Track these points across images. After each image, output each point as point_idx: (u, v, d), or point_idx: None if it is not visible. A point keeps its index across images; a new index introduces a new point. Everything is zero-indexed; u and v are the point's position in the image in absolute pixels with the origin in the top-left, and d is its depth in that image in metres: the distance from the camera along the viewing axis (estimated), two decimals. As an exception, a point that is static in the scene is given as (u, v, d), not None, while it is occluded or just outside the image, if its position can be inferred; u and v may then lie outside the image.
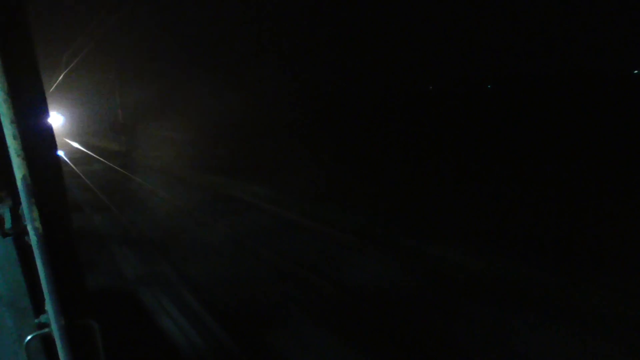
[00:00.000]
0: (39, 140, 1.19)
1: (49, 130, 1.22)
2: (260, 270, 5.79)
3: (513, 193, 7.92)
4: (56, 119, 36.19)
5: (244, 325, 4.30)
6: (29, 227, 1.10)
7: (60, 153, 22.20)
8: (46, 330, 1.25)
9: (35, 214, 1.10)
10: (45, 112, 1.23)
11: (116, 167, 16.24)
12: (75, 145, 29.41)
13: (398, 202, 9.02)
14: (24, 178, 1.08)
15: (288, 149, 13.24)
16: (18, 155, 1.07)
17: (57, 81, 21.47)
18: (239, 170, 13.46)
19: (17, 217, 1.17)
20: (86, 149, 25.73)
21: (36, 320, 1.28)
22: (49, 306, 1.18)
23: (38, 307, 1.29)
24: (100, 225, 8.13)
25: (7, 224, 1.16)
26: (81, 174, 14.72)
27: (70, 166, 17.23)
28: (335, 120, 12.86)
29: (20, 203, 1.12)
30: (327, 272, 5.53)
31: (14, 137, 1.06)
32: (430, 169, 10.34)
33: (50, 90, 24.42)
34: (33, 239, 1.11)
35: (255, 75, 14.89)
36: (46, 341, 1.30)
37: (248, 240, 6.85)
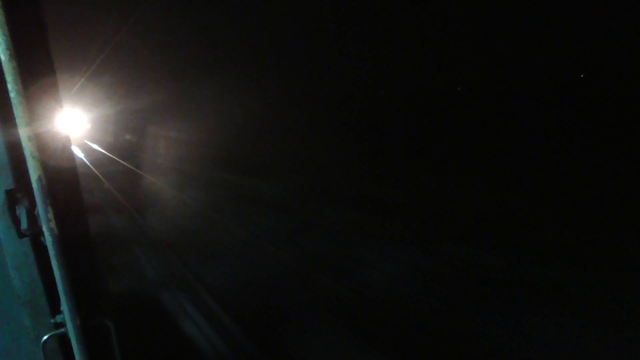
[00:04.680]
0: (54, 142, 1.19)
1: (64, 131, 1.23)
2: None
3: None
4: (81, 124, 36.81)
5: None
6: (44, 228, 1.11)
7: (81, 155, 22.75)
8: (62, 330, 1.26)
9: (51, 215, 1.11)
10: (60, 114, 1.24)
11: (130, 167, 16.57)
12: (95, 146, 30.09)
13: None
14: (39, 179, 1.09)
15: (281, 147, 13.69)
16: (33, 157, 1.08)
17: (78, 84, 22.01)
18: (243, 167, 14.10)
19: (33, 218, 1.18)
20: (105, 150, 26.31)
21: (52, 320, 1.29)
22: (64, 306, 1.19)
23: (54, 307, 1.30)
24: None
25: (24, 225, 1.17)
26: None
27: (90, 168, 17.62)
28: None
29: (36, 204, 1.12)
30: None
31: (30, 139, 1.07)
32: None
33: (72, 91, 25.06)
34: (48, 239, 1.12)
35: (259, 77, 14.99)
36: (62, 341, 1.31)
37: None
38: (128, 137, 26.44)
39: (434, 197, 8.58)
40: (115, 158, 20.87)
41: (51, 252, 1.13)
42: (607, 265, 5.21)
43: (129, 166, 17.38)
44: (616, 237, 5.98)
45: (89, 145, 31.26)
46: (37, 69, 1.15)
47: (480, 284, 5.05)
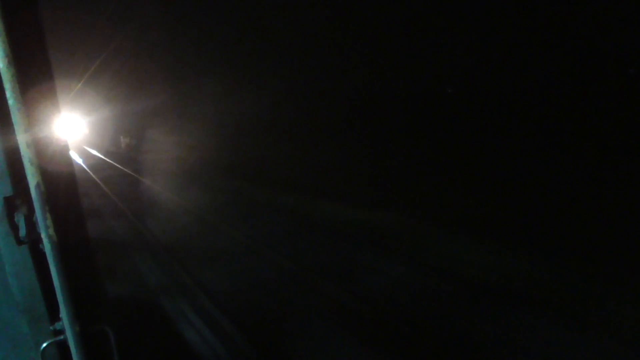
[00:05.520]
0: (52, 148, 1.19)
1: (63, 137, 1.23)
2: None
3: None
4: (78, 128, 36.74)
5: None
6: (43, 235, 1.10)
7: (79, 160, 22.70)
8: (61, 337, 1.26)
9: (49, 222, 1.10)
10: (58, 120, 1.23)
11: (128, 171, 16.54)
12: (93, 151, 30.04)
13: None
14: (37, 185, 1.08)
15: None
16: (32, 163, 1.07)
17: (76, 89, 22.00)
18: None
19: (31, 224, 1.17)
20: (103, 154, 26.26)
21: (51, 327, 1.28)
22: (63, 313, 1.18)
23: (53, 314, 1.29)
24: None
25: (22, 232, 1.17)
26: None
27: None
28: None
29: (34, 211, 1.12)
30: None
31: (28, 145, 1.07)
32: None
33: (70, 96, 25.05)
34: (47, 246, 1.11)
35: (258, 79, 14.96)
36: (62, 348, 1.30)
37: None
38: (127, 140, 26.40)
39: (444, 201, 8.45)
40: (114, 163, 20.85)
41: (50, 258, 1.13)
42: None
43: (127, 170, 17.36)
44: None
45: (87, 150, 31.21)
46: (36, 75, 1.15)
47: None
